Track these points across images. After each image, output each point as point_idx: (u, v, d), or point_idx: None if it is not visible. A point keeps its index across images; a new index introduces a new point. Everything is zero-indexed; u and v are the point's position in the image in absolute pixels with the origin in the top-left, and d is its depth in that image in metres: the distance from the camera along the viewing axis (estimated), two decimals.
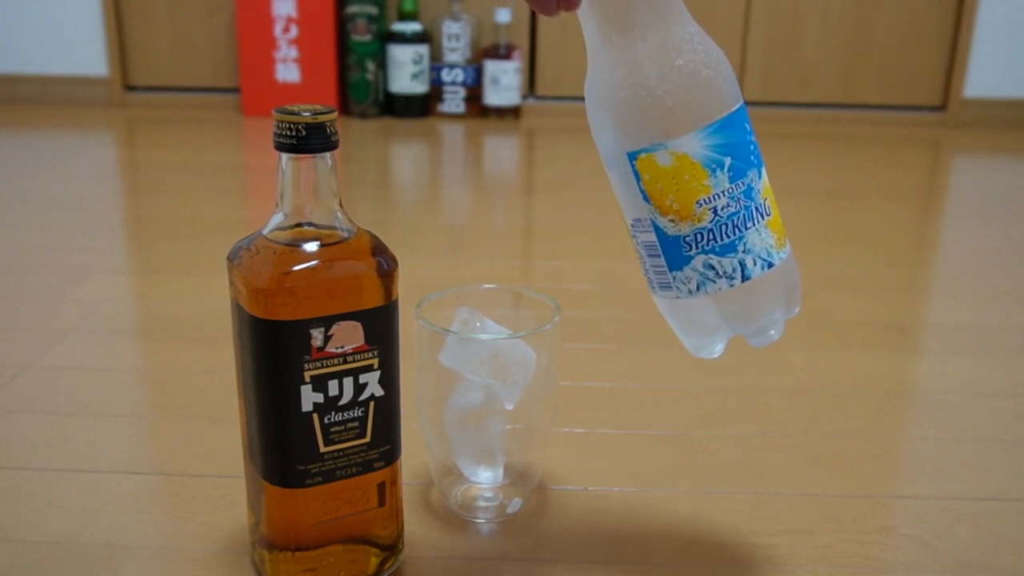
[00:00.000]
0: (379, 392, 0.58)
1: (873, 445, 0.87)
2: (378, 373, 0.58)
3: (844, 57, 2.74)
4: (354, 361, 0.57)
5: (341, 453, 0.58)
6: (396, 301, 0.58)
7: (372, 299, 0.56)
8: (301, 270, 0.54)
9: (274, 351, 0.55)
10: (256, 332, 0.55)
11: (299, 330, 0.54)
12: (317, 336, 0.55)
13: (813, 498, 0.78)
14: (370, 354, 0.57)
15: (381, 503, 0.62)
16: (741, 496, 0.78)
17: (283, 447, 0.57)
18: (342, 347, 0.56)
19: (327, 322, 0.55)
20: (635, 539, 0.72)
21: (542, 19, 2.70)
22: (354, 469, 0.59)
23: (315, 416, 0.57)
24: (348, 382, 0.57)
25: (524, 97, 2.74)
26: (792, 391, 0.98)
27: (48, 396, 0.93)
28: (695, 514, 0.75)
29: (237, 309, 0.57)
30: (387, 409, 0.60)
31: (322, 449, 0.57)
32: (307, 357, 0.55)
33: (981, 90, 2.73)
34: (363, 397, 0.58)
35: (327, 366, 0.56)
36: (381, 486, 0.61)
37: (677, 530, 0.73)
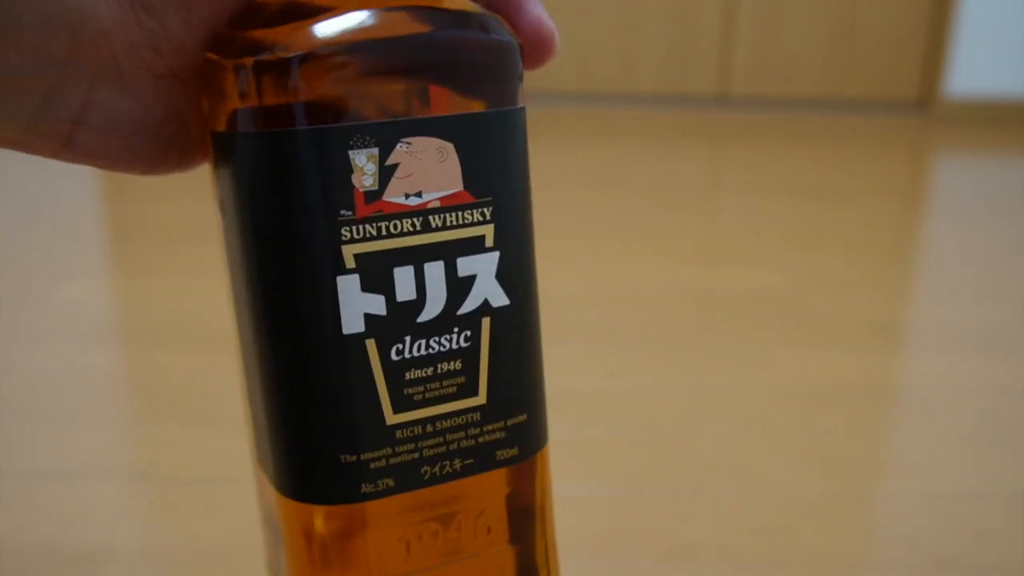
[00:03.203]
0: (499, 298, 0.29)
1: (857, 443, 0.88)
2: (495, 256, 0.29)
3: (827, 54, 2.75)
4: (445, 227, 0.28)
5: (429, 426, 0.29)
6: (523, 109, 0.30)
7: (485, 91, 0.28)
8: (353, 24, 0.26)
9: (284, 203, 0.26)
10: (248, 176, 0.27)
11: (331, 149, 0.26)
12: (363, 165, 0.27)
13: (798, 496, 0.78)
14: (477, 212, 0.28)
15: (517, 536, 0.31)
16: (726, 495, 0.78)
17: (308, 416, 0.28)
18: (418, 193, 0.27)
19: (385, 135, 0.27)
20: (621, 538, 0.72)
21: None
22: (457, 463, 0.29)
23: (371, 345, 0.28)
24: (434, 272, 0.28)
25: None
26: (776, 390, 0.99)
27: (29, 399, 0.92)
28: (680, 513, 0.75)
29: (225, 161, 0.28)
30: (515, 335, 0.30)
31: (390, 418, 0.28)
32: (346, 213, 0.27)
33: (965, 88, 2.74)
34: (467, 307, 0.29)
35: (388, 234, 0.27)
36: (513, 500, 0.31)
37: (662, 529, 0.73)
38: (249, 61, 0.26)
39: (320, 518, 0.29)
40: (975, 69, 2.73)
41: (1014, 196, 1.94)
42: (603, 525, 0.73)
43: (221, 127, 0.28)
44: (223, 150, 0.28)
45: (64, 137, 0.26)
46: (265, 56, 0.26)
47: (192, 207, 1.69)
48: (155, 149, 0.29)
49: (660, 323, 1.16)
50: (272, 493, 0.30)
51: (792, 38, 2.74)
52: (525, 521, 0.31)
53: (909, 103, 2.80)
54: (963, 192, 2.00)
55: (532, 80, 2.72)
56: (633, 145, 2.32)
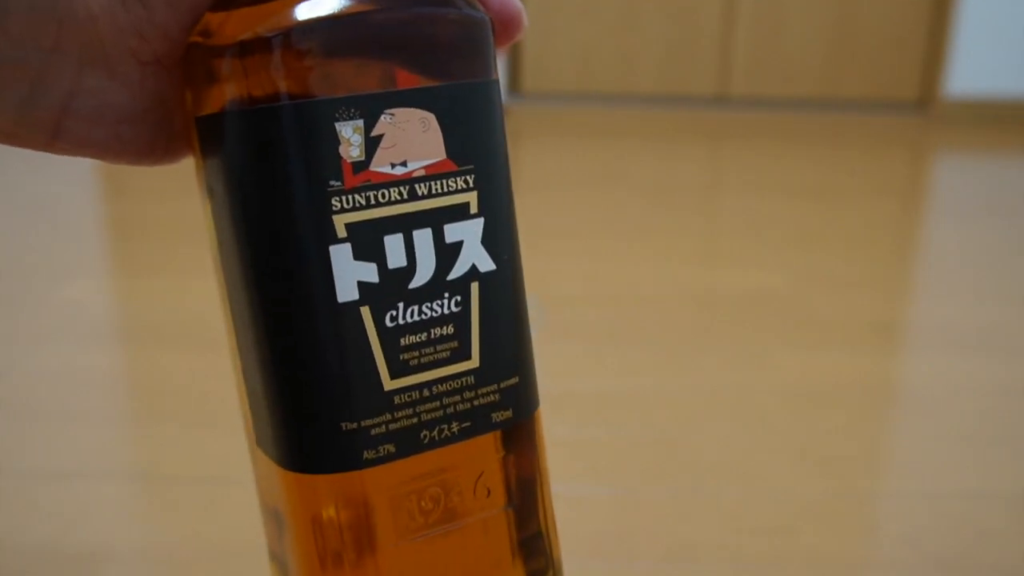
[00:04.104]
0: (486, 263, 0.31)
1: (857, 443, 0.88)
2: (479, 222, 0.30)
3: (827, 54, 2.75)
4: (431, 194, 0.29)
5: (426, 391, 0.30)
6: (498, 81, 0.31)
7: (460, 65, 0.29)
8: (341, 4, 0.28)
9: (274, 178, 0.27)
10: (237, 154, 0.28)
11: (318, 122, 0.27)
12: (350, 137, 0.28)
13: (798, 496, 0.78)
14: (461, 180, 0.30)
15: (517, 498, 0.32)
16: (726, 495, 0.78)
17: (308, 387, 0.29)
18: (404, 163, 0.29)
19: (370, 106, 0.28)
20: (621, 538, 0.72)
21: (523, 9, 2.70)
22: (454, 426, 0.30)
23: (366, 312, 0.29)
24: (423, 239, 0.29)
25: (507, 97, 2.74)
26: (776, 390, 0.99)
27: (29, 399, 0.92)
28: (680, 513, 0.75)
29: (209, 140, 0.29)
30: (503, 299, 0.31)
31: (388, 384, 0.29)
32: (335, 184, 0.27)
33: (965, 88, 2.75)
34: (456, 273, 0.30)
35: (377, 203, 0.28)
36: (508, 464, 0.32)
37: (662, 529, 0.73)
38: (233, 40, 0.27)
39: (324, 490, 0.29)
40: (975, 69, 2.73)
41: (1014, 196, 1.94)
42: (603, 525, 0.73)
43: (207, 110, 0.28)
44: (210, 133, 0.29)
45: (53, 126, 0.26)
46: (249, 35, 0.26)
47: (192, 207, 1.69)
48: (142, 137, 0.30)
49: (660, 323, 1.16)
50: (275, 474, 0.30)
51: (792, 38, 2.74)
52: (524, 484, 0.32)
53: (909, 103, 2.80)
54: (963, 192, 2.00)
55: (533, 80, 2.72)
56: (633, 145, 2.32)
